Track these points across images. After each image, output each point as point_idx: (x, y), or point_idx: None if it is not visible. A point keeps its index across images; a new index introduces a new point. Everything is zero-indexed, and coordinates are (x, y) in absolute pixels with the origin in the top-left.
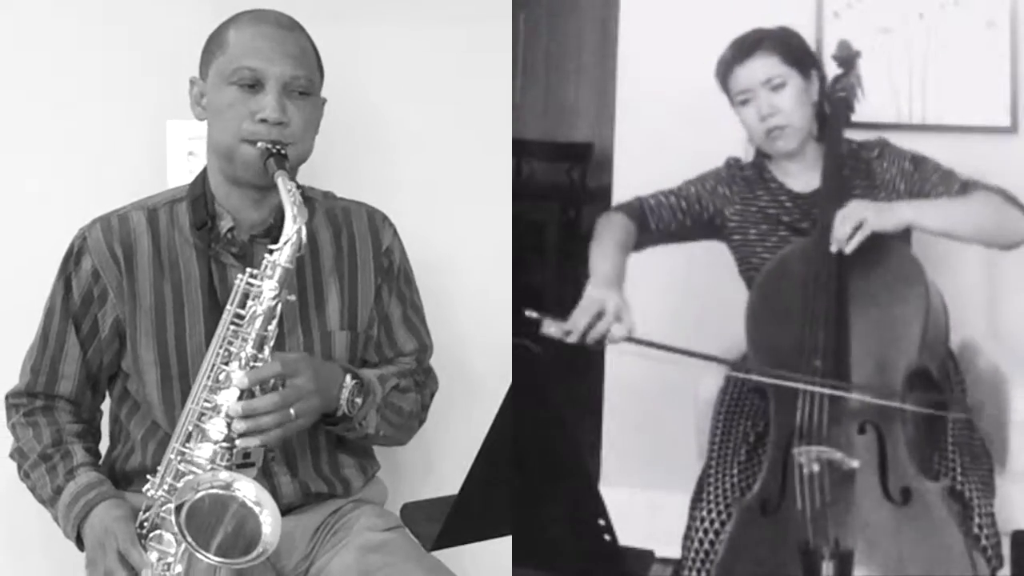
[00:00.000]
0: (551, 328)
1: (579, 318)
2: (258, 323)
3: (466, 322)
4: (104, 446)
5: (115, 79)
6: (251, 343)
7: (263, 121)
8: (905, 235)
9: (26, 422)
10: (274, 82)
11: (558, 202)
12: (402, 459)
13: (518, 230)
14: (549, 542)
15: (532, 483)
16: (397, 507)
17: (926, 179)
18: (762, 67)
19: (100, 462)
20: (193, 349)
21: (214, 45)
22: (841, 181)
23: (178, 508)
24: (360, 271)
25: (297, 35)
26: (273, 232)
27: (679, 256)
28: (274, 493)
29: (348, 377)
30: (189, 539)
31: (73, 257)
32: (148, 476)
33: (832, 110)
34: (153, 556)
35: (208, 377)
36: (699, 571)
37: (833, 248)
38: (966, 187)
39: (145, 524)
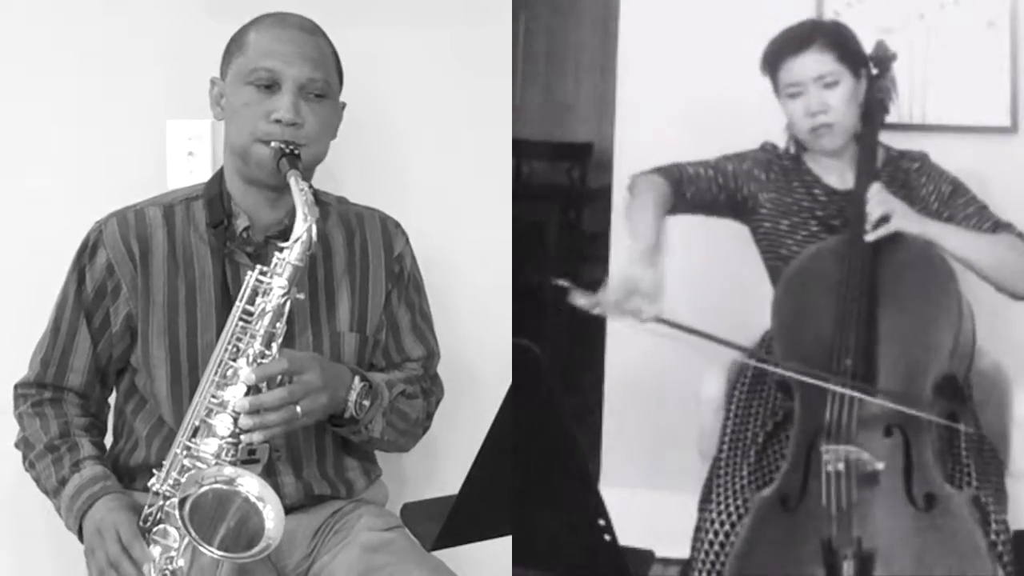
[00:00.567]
0: (580, 299)
1: (611, 293)
2: (267, 320)
3: (466, 322)
4: (107, 441)
5: (115, 79)
6: (259, 340)
7: (277, 121)
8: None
9: (33, 412)
10: (290, 83)
11: (558, 202)
12: (403, 459)
13: (518, 230)
14: (549, 542)
15: (532, 483)
16: (398, 507)
17: (960, 207)
18: (816, 63)
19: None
20: (204, 347)
21: (234, 46)
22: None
23: (182, 502)
24: (371, 275)
25: (317, 39)
26: (288, 233)
27: (699, 240)
28: (277, 492)
29: (356, 379)
30: (192, 533)
31: (88, 250)
32: (153, 471)
33: (868, 112)
34: (156, 551)
35: (216, 373)
36: (710, 571)
37: (870, 234)
38: (997, 226)
39: (149, 518)
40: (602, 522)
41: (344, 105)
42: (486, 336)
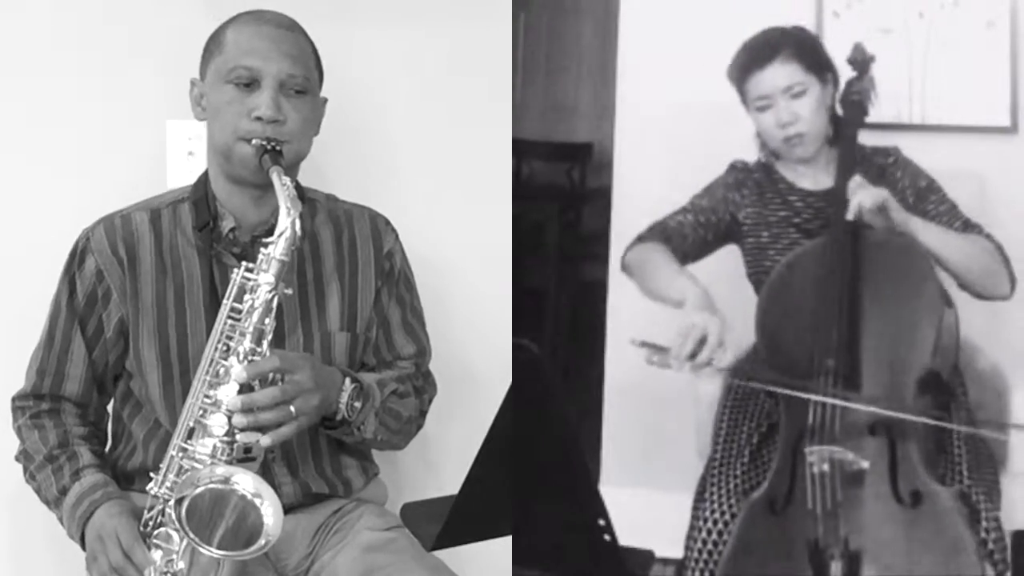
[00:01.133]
0: (655, 358)
1: (684, 345)
2: (255, 317)
3: (466, 322)
4: (107, 446)
5: (115, 79)
6: (249, 337)
7: (259, 119)
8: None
9: (32, 424)
10: (270, 80)
11: (558, 202)
12: (403, 459)
13: (518, 230)
14: (549, 542)
15: (532, 483)
16: (397, 507)
17: (934, 203)
18: (783, 74)
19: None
20: (195, 349)
21: (213, 45)
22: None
23: (178, 503)
24: (361, 273)
25: (295, 35)
26: (275, 232)
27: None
28: (275, 492)
29: (347, 380)
30: (191, 534)
31: (77, 257)
32: (151, 475)
33: (846, 114)
34: (158, 555)
35: (207, 372)
36: (702, 571)
37: (849, 215)
38: (967, 226)
39: (150, 523)
40: (602, 522)
41: (325, 100)
42: (486, 336)
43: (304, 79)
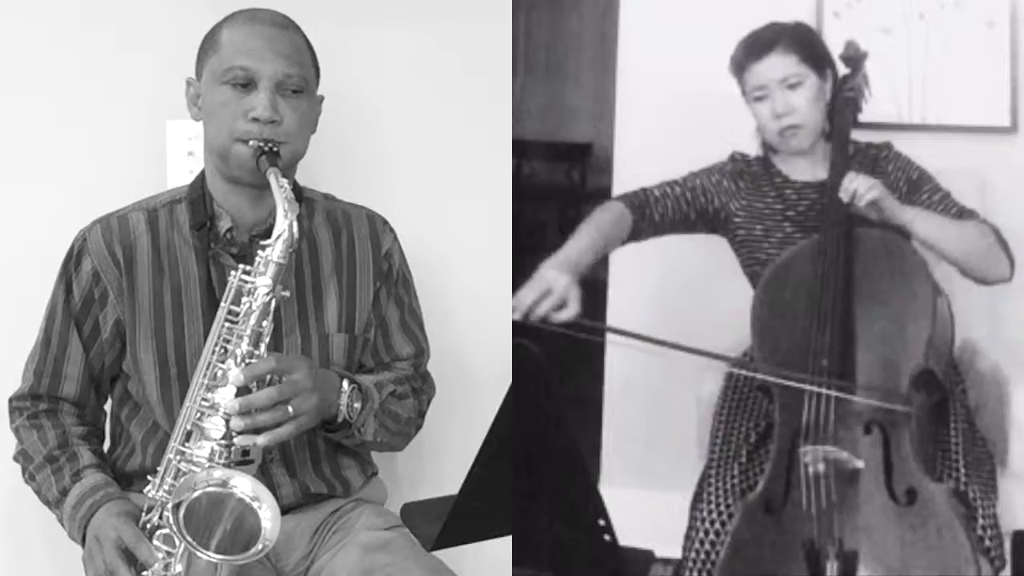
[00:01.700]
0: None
1: (524, 295)
2: (253, 319)
3: (466, 322)
4: (105, 447)
5: (115, 79)
6: (247, 340)
7: (255, 120)
8: (898, 230)
9: (30, 425)
10: (267, 81)
11: (558, 202)
12: (402, 459)
13: (518, 230)
14: (549, 542)
15: (532, 483)
16: (397, 507)
17: (927, 192)
18: (779, 65)
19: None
20: (192, 350)
21: (208, 45)
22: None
23: (176, 507)
24: (359, 274)
25: (291, 33)
26: (272, 232)
27: (677, 252)
28: (273, 494)
29: (346, 383)
30: (188, 538)
31: (73, 259)
32: (148, 477)
33: (839, 110)
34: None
35: (205, 375)
36: (700, 571)
37: (844, 197)
38: (962, 213)
39: (148, 525)
40: (602, 522)
41: (322, 99)
42: (486, 336)
43: (300, 78)
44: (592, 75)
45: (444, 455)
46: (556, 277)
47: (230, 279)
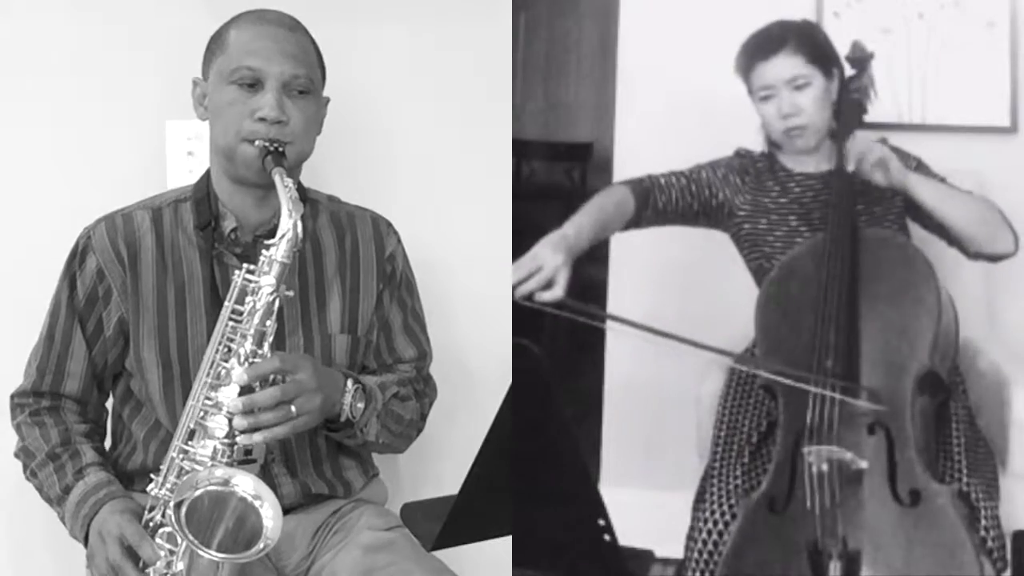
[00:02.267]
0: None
1: (516, 269)
2: (257, 318)
3: (466, 322)
4: (107, 445)
5: (115, 79)
6: (250, 339)
7: (262, 120)
8: (903, 231)
9: (32, 422)
10: (273, 81)
11: (558, 202)
12: (402, 459)
13: (518, 230)
14: (549, 542)
15: (532, 483)
16: (397, 507)
17: (926, 176)
18: (787, 66)
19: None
20: (195, 349)
21: (215, 45)
22: (854, 186)
23: (177, 506)
24: (362, 275)
25: (298, 35)
26: (276, 233)
27: (679, 247)
28: (274, 494)
29: (349, 382)
30: (190, 537)
31: (78, 256)
32: (150, 475)
33: (845, 111)
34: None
35: (208, 374)
36: (702, 571)
37: (850, 165)
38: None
39: (150, 523)
40: (602, 522)
41: (328, 100)
42: (486, 336)
43: (307, 79)
44: (592, 75)
45: (445, 455)
46: (548, 256)
47: (234, 278)
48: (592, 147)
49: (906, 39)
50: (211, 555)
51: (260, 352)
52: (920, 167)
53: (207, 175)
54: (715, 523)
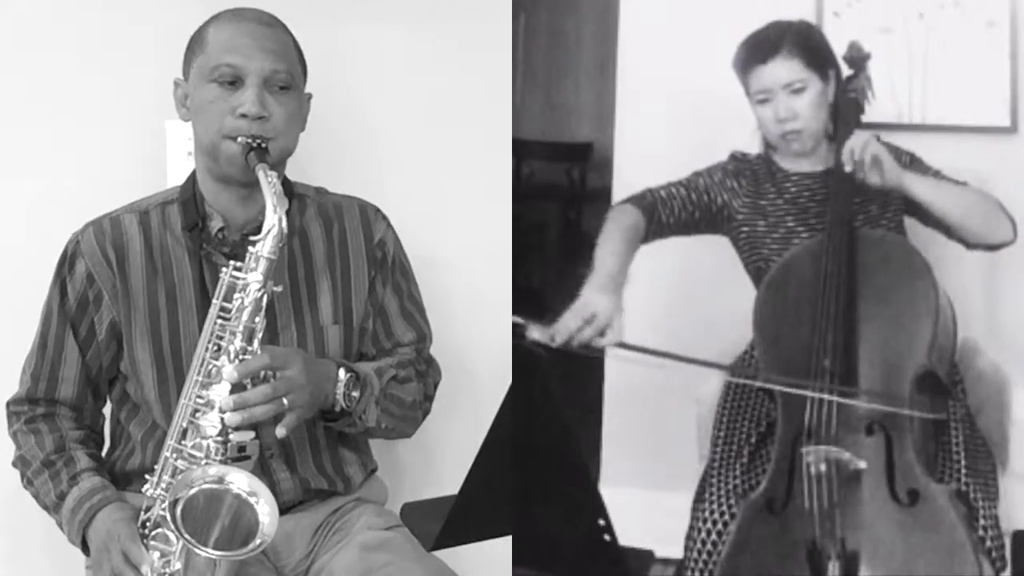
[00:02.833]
0: (535, 333)
1: (568, 322)
2: (245, 316)
3: (466, 322)
4: (106, 448)
5: (115, 79)
6: (240, 336)
7: (244, 116)
8: (900, 230)
9: (28, 429)
10: (254, 77)
11: (558, 202)
12: (402, 458)
13: (518, 230)
14: (549, 542)
15: (532, 483)
16: (397, 507)
17: (921, 171)
18: (783, 70)
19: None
20: (187, 349)
21: (195, 44)
22: (851, 185)
23: (172, 505)
24: (352, 265)
25: (276, 31)
26: (263, 229)
27: (677, 254)
28: (273, 490)
29: (342, 371)
30: (185, 535)
31: (67, 262)
32: (147, 476)
33: (842, 112)
34: (156, 555)
35: (199, 373)
36: (702, 571)
37: (846, 163)
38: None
39: (147, 524)
40: (602, 522)
41: (310, 96)
42: (486, 336)
43: (288, 75)
44: (592, 75)
45: (445, 455)
46: (601, 301)
47: (221, 276)
48: (592, 147)
49: (906, 39)
50: (207, 553)
51: (250, 349)
52: (914, 162)
53: (193, 176)
54: (714, 523)
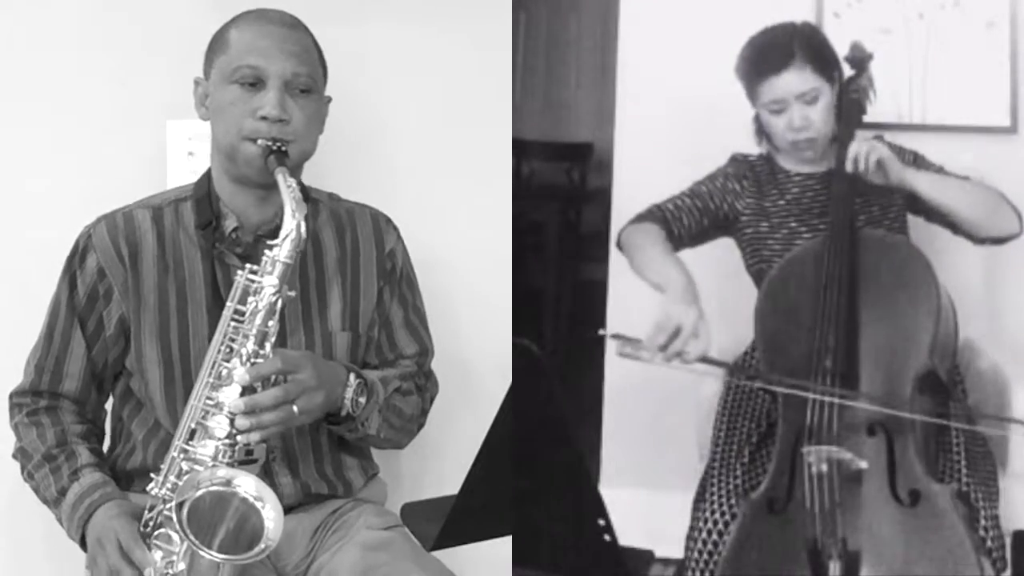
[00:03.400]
0: (626, 349)
1: (656, 336)
2: (259, 319)
3: (466, 322)
4: (106, 445)
5: (115, 79)
6: (252, 339)
7: (264, 118)
8: (903, 230)
9: (30, 422)
10: (275, 79)
11: (558, 202)
12: (403, 458)
13: (518, 230)
14: (549, 542)
15: (532, 483)
16: (397, 507)
17: (925, 168)
18: (798, 80)
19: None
20: (196, 349)
21: (217, 45)
22: (853, 186)
23: (179, 506)
24: (363, 272)
25: (299, 33)
26: (278, 232)
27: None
28: (275, 493)
29: (352, 376)
30: (191, 537)
31: (78, 255)
32: (150, 475)
33: (845, 112)
34: (158, 555)
35: (210, 374)
36: (702, 571)
37: (849, 166)
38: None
39: (150, 523)
40: (602, 522)
41: (330, 99)
42: (486, 336)
43: (309, 78)
44: (592, 75)
45: (445, 455)
46: (684, 312)
47: (236, 278)
48: (592, 147)
49: (906, 39)
50: (212, 556)
51: (262, 352)
52: (918, 160)
53: (208, 174)
54: (715, 523)
